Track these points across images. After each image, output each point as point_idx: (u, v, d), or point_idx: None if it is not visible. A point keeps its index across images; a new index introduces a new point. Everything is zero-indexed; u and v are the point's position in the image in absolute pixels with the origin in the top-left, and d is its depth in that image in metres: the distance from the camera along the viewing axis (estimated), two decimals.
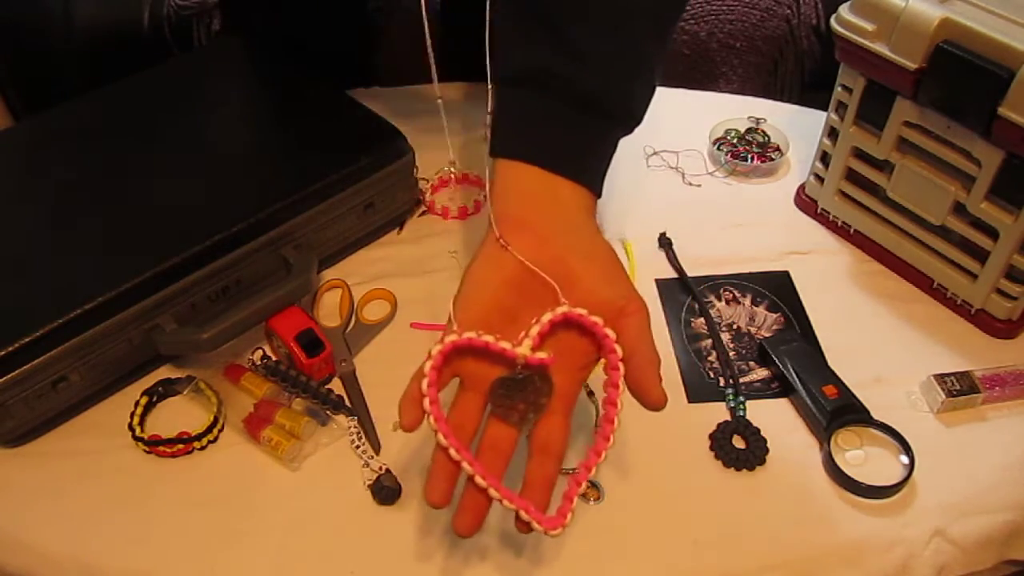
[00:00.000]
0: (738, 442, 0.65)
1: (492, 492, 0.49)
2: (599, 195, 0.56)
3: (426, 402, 0.49)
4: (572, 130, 0.55)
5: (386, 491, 0.61)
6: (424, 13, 0.59)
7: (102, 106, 0.81)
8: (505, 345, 0.50)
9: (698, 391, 0.68)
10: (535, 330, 0.50)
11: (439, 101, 0.59)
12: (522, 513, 0.50)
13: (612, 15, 0.54)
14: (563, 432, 0.53)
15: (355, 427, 0.65)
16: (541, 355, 0.51)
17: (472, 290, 0.52)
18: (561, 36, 0.54)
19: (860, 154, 0.75)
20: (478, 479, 0.49)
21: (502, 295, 0.52)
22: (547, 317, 0.51)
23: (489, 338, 0.50)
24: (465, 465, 0.50)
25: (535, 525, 0.50)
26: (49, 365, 0.62)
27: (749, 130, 0.90)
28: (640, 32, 0.56)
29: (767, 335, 0.72)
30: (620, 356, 0.51)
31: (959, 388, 0.66)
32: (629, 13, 0.55)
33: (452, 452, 0.49)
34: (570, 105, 0.54)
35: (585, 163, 0.55)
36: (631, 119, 0.57)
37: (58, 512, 0.62)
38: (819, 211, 0.81)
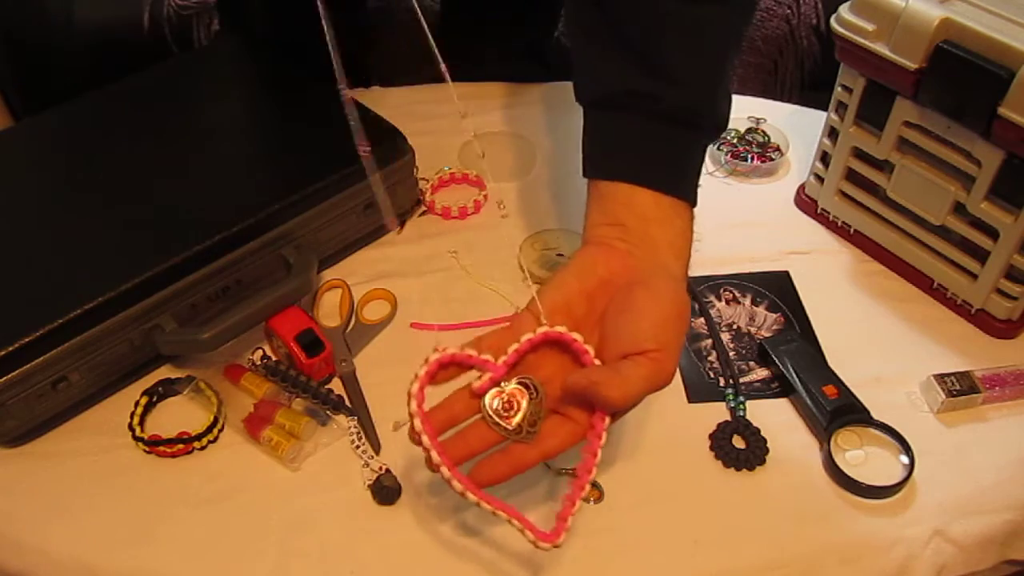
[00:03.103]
0: (738, 442, 0.65)
1: (484, 506, 0.50)
2: (694, 204, 0.57)
3: (417, 422, 0.50)
4: (662, 146, 0.56)
5: (386, 491, 0.61)
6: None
7: (102, 106, 0.81)
8: (487, 357, 0.52)
9: (698, 391, 0.68)
10: (513, 347, 0.52)
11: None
12: (522, 528, 0.50)
13: (692, 29, 0.55)
14: (563, 433, 0.52)
15: (355, 427, 0.65)
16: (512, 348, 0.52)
17: (551, 290, 0.54)
18: (643, 55, 0.55)
19: (860, 154, 0.75)
20: (469, 495, 0.50)
21: (575, 304, 0.53)
22: (526, 336, 0.52)
23: (472, 352, 0.52)
24: (455, 484, 0.50)
25: (528, 535, 0.50)
26: (49, 365, 0.62)
27: (749, 130, 0.90)
28: (719, 43, 0.57)
29: (767, 335, 0.72)
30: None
31: (959, 388, 0.66)
32: (708, 25, 0.56)
33: (444, 472, 0.50)
34: (658, 122, 0.56)
35: (678, 176, 0.56)
36: (717, 127, 0.59)
37: (58, 512, 0.62)
38: (819, 211, 0.81)
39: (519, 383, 0.52)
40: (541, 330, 0.52)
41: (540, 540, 0.50)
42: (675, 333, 0.52)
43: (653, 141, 0.56)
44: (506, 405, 0.52)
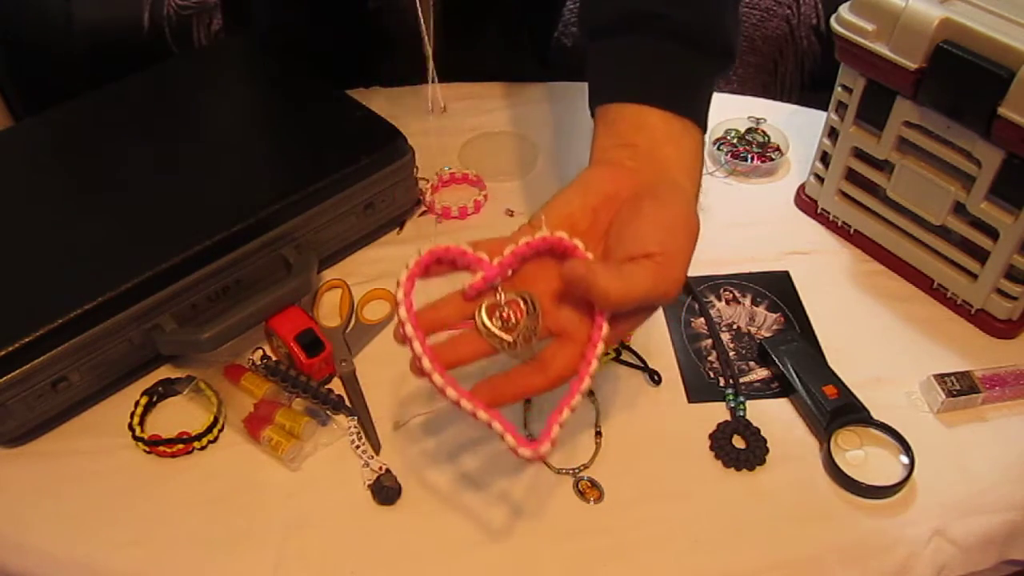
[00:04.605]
0: (738, 442, 0.65)
1: (465, 404, 0.48)
2: (704, 128, 0.56)
3: (401, 310, 0.48)
4: (670, 65, 0.55)
5: (386, 491, 0.61)
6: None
7: (102, 106, 0.81)
8: (482, 255, 0.50)
9: (698, 391, 0.68)
10: (509, 249, 0.50)
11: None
12: (502, 432, 0.47)
13: None
14: (566, 355, 0.50)
15: (355, 427, 0.65)
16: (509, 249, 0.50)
17: (556, 204, 0.53)
18: None
19: (860, 154, 0.75)
20: (449, 391, 0.47)
21: (578, 217, 0.52)
22: (525, 239, 0.50)
23: (467, 247, 0.50)
24: (449, 391, 0.48)
25: (508, 440, 0.47)
26: (49, 365, 0.62)
27: (749, 130, 0.90)
28: None
29: (767, 335, 0.72)
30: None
31: (959, 388, 0.66)
32: None
33: (426, 363, 0.48)
34: (665, 41, 0.55)
35: (688, 95, 0.55)
36: (727, 53, 0.58)
37: (58, 512, 0.62)
38: (819, 211, 0.81)
39: (516, 295, 0.50)
40: (541, 234, 0.50)
41: (520, 447, 0.47)
42: (682, 241, 0.50)
43: (661, 61, 0.55)
44: (504, 317, 0.50)
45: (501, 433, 0.48)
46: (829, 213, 0.81)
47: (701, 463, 0.64)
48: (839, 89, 0.74)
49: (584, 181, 0.54)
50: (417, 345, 0.48)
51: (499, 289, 0.50)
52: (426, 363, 0.48)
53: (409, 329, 0.48)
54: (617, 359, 0.70)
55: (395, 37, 0.96)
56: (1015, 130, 0.61)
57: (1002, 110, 0.61)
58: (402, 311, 0.48)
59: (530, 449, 0.47)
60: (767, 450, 0.64)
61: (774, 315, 0.74)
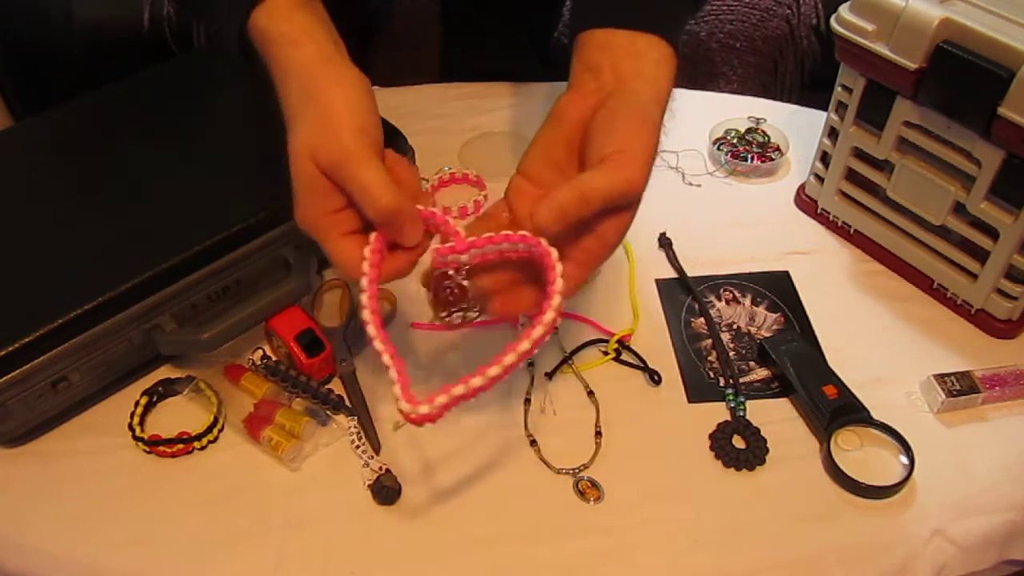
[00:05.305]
0: (738, 442, 0.65)
1: (377, 344, 0.51)
2: (675, 47, 0.57)
3: (365, 265, 0.52)
4: None
5: (386, 491, 0.61)
6: None
7: (102, 106, 0.81)
8: (460, 230, 0.54)
9: (698, 391, 0.68)
10: (487, 233, 0.53)
11: None
12: (394, 379, 0.50)
13: None
14: (526, 297, 0.54)
15: (355, 427, 0.65)
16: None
17: (531, 149, 0.56)
18: None
19: (860, 154, 0.75)
20: (377, 344, 0.51)
21: (553, 150, 0.55)
22: (505, 232, 0.53)
23: (448, 219, 0.54)
24: (370, 328, 0.52)
25: (395, 390, 0.50)
26: (49, 365, 0.62)
27: (749, 130, 0.90)
28: None
29: (767, 335, 0.72)
30: (555, 280, 0.52)
31: (959, 388, 0.66)
32: None
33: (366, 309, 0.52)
34: None
35: (650, 13, 0.57)
36: None
37: (58, 512, 0.62)
38: (819, 211, 0.81)
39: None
40: (521, 233, 0.53)
41: (402, 400, 0.49)
42: (632, 139, 0.51)
43: None
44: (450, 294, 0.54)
45: (394, 380, 0.50)
46: (829, 213, 0.81)
47: (701, 463, 0.64)
48: (839, 89, 0.74)
49: (552, 114, 0.56)
50: (365, 297, 0.52)
51: (458, 273, 0.54)
52: (366, 313, 0.52)
53: (364, 281, 0.52)
54: (617, 359, 0.70)
55: (395, 37, 0.96)
56: (1015, 130, 0.61)
57: (1002, 110, 0.61)
58: (365, 266, 0.52)
59: (410, 404, 0.49)
60: (767, 450, 0.64)
61: (774, 315, 0.74)
